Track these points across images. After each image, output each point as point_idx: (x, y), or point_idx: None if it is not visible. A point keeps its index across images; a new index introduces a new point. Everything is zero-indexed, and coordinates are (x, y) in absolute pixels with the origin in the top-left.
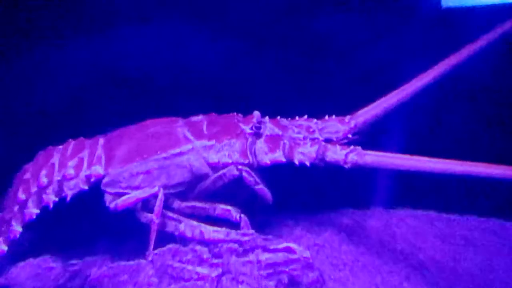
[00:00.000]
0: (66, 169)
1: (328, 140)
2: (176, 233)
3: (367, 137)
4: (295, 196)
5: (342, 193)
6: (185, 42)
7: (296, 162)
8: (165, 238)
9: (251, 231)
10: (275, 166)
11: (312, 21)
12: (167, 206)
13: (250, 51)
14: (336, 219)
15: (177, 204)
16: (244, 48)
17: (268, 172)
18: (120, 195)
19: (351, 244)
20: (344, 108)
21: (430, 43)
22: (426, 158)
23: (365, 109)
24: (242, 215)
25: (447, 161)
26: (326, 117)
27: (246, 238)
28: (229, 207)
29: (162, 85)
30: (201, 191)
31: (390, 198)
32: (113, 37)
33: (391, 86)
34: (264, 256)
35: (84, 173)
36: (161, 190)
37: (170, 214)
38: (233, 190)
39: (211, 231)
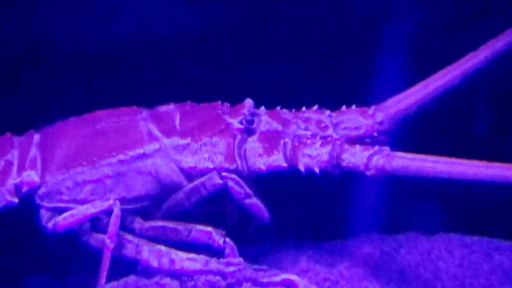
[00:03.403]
0: None
1: (345, 139)
2: (138, 257)
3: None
4: (300, 214)
5: (363, 211)
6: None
7: (302, 168)
8: (122, 268)
9: (239, 259)
10: (274, 174)
11: None
12: (125, 226)
13: (236, 17)
14: (355, 247)
15: (138, 224)
16: (230, 14)
17: (264, 182)
18: (61, 210)
19: (375, 282)
20: (368, 96)
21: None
22: (485, 164)
23: (397, 97)
24: (227, 239)
25: None
26: (343, 107)
27: (232, 269)
28: (209, 228)
29: (123, 61)
30: (171, 207)
31: (429, 219)
32: None
33: (435, 66)
34: None
35: (12, 181)
36: (117, 203)
37: (130, 237)
38: (215, 206)
39: (184, 259)
